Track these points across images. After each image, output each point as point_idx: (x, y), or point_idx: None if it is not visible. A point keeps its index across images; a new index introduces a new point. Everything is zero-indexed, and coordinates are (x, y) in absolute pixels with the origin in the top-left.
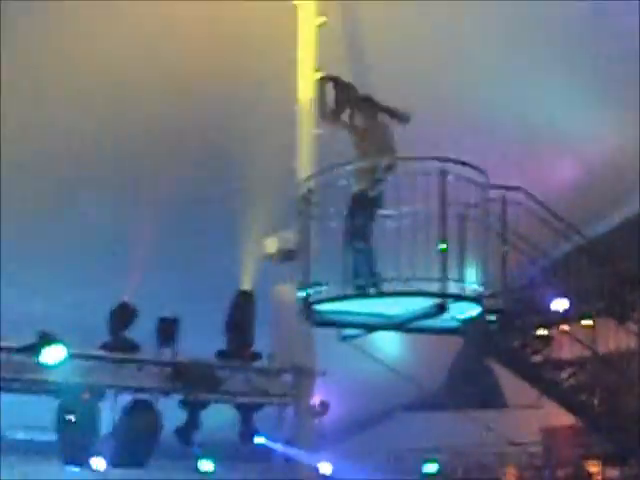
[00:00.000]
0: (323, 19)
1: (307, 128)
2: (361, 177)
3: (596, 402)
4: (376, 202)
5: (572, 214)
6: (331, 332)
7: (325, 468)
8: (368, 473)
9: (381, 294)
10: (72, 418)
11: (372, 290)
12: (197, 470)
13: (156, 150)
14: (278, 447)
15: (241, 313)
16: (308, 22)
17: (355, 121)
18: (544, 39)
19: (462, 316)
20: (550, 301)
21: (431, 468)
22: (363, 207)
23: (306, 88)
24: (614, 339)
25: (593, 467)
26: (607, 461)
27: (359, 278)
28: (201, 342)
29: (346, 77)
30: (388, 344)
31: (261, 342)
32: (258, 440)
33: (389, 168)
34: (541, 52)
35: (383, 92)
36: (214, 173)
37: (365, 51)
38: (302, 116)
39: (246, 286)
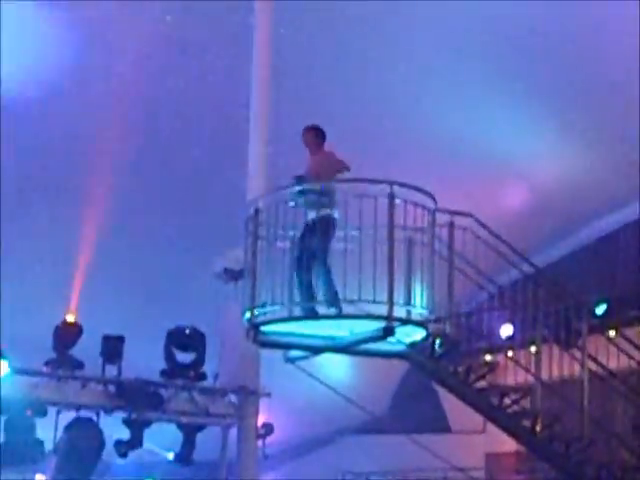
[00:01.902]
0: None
1: (258, 146)
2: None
3: (539, 428)
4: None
5: (522, 240)
6: (277, 353)
7: None
8: None
9: (328, 316)
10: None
11: (331, 310)
12: None
13: (106, 166)
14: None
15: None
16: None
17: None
18: (495, 63)
19: (408, 340)
20: (496, 327)
21: None
22: (321, 230)
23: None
24: (559, 366)
25: None
26: None
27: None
28: (145, 360)
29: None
30: (334, 367)
31: (208, 362)
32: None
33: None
34: (492, 76)
35: (333, 113)
36: (163, 191)
37: (315, 70)
38: (253, 135)
39: (192, 305)
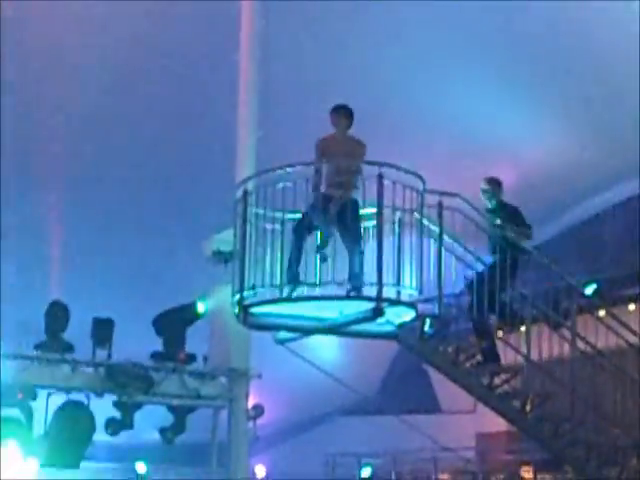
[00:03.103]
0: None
1: (247, 130)
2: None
3: (529, 408)
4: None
5: None
6: (267, 335)
7: (260, 471)
8: (303, 476)
9: (317, 297)
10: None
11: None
12: (132, 472)
13: (95, 149)
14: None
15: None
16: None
17: None
18: (482, 45)
19: (397, 321)
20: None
21: (367, 472)
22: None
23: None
24: (548, 346)
25: (526, 473)
26: (540, 467)
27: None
28: (136, 343)
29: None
30: (325, 348)
31: (197, 344)
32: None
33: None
34: (479, 57)
35: (325, 94)
36: (153, 174)
37: (306, 53)
38: (242, 118)
39: (183, 287)
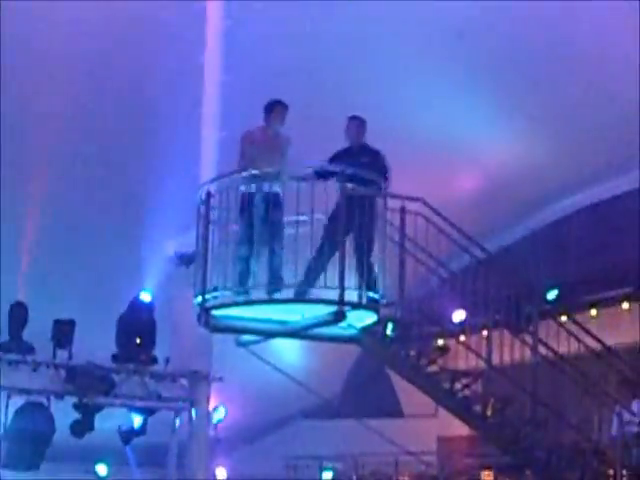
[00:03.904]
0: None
1: (210, 132)
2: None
3: (490, 413)
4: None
5: (475, 226)
6: (229, 338)
7: (220, 474)
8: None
9: (279, 301)
10: None
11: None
12: (92, 473)
13: (53, 149)
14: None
15: (137, 317)
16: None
17: None
18: (447, 50)
19: (359, 324)
20: (447, 312)
21: (328, 476)
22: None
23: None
24: (510, 350)
25: (487, 477)
26: (501, 471)
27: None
28: (97, 345)
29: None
30: (287, 351)
31: (159, 346)
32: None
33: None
34: (443, 62)
35: (286, 97)
36: (115, 174)
37: (270, 57)
38: (205, 119)
39: (144, 289)
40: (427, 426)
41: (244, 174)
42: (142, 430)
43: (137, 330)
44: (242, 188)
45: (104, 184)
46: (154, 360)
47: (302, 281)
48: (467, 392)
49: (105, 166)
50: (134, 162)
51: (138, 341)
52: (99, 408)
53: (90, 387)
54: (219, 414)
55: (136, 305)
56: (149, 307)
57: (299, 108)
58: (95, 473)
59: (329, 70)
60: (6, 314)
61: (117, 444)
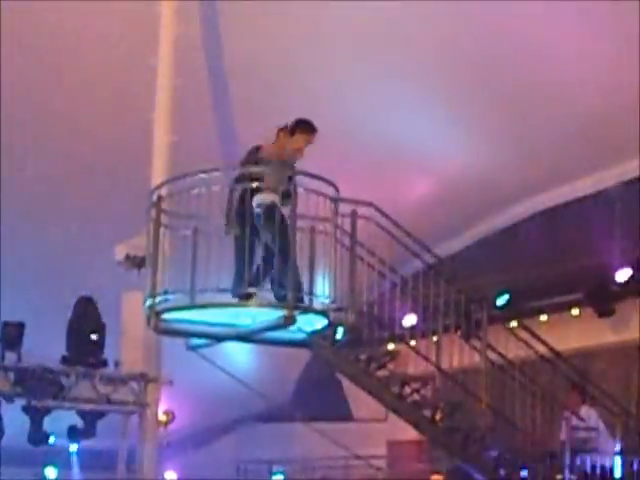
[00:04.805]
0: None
1: (162, 135)
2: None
3: (439, 417)
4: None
5: (426, 231)
6: (180, 341)
7: (170, 477)
8: None
9: (228, 304)
10: None
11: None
12: (41, 476)
13: (4, 147)
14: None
15: (85, 319)
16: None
17: None
18: (399, 54)
19: (309, 328)
20: (398, 316)
21: (278, 479)
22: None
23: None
24: (459, 356)
25: None
26: (451, 475)
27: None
28: (46, 347)
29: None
30: (237, 355)
31: (109, 349)
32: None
33: None
34: (395, 66)
35: (240, 102)
36: (65, 177)
37: (223, 61)
38: (157, 123)
39: (94, 292)
40: (377, 430)
41: (196, 177)
42: (91, 431)
43: (86, 333)
44: (194, 191)
45: (55, 185)
46: (104, 363)
47: (252, 284)
48: (417, 397)
49: (55, 166)
50: (87, 164)
51: (88, 344)
52: (48, 411)
53: (39, 390)
54: (169, 417)
55: (82, 307)
56: (95, 309)
57: (242, 109)
58: (44, 476)
59: (280, 73)
60: None
61: (66, 447)
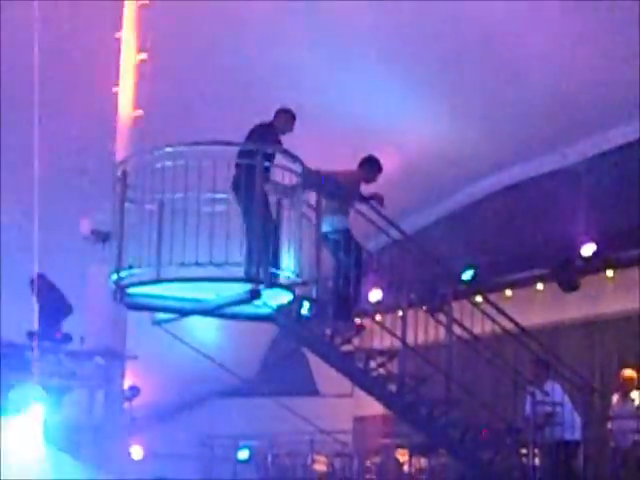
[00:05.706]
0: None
1: (126, 109)
2: None
3: (404, 392)
4: None
5: (392, 206)
6: (145, 316)
7: (136, 452)
8: (180, 458)
9: (193, 279)
10: None
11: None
12: None
13: None
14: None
15: (47, 295)
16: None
17: None
18: (365, 33)
19: (275, 303)
20: (364, 291)
21: (244, 454)
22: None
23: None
24: (425, 330)
25: (402, 456)
26: (416, 450)
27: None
28: (11, 323)
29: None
30: (203, 330)
31: (74, 324)
32: None
33: None
34: (361, 45)
35: (204, 79)
36: (29, 150)
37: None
38: (121, 98)
39: (60, 267)
40: (343, 405)
41: (162, 151)
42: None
43: (51, 308)
44: (158, 165)
45: (20, 159)
46: (69, 338)
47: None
48: (382, 371)
49: (19, 143)
50: (52, 138)
51: (52, 319)
52: (13, 386)
53: (4, 365)
54: (134, 393)
55: (41, 283)
56: (52, 284)
57: (210, 88)
58: None
59: (245, 52)
60: None
61: None
